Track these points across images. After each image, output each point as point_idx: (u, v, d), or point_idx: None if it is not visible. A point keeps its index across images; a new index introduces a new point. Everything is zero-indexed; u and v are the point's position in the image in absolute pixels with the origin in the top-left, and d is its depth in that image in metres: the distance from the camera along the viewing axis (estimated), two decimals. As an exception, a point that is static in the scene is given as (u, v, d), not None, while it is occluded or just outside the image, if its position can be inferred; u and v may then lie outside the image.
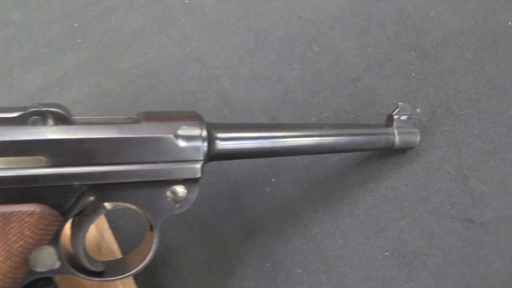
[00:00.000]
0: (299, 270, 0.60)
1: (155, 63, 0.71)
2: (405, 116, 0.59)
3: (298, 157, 0.65)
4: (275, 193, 0.63)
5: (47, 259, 0.41)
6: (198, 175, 0.44)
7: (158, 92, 0.69)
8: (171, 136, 0.42)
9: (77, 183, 0.40)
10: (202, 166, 0.44)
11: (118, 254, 0.62)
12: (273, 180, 0.63)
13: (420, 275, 0.60)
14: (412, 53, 0.68)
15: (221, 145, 0.47)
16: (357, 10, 0.70)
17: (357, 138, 0.56)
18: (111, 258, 0.59)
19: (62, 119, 0.39)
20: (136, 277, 0.62)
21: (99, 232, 0.60)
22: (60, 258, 0.42)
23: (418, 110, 0.65)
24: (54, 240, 0.41)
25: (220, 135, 0.47)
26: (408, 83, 0.67)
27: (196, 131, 0.44)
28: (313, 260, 0.60)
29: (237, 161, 0.65)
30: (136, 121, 0.43)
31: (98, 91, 0.70)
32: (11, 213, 0.37)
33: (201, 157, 0.44)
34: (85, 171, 0.40)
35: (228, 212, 0.62)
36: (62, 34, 0.73)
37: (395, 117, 0.59)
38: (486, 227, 0.60)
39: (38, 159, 0.38)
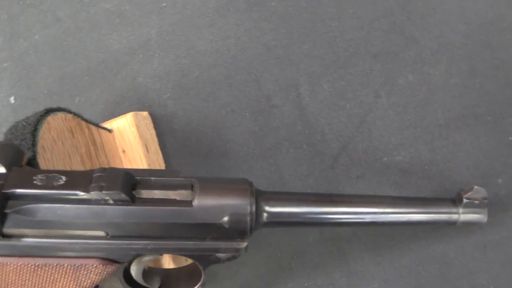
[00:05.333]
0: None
1: (236, 51, 0.67)
2: (478, 201, 0.54)
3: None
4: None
5: (113, 284, 0.50)
6: (243, 252, 0.47)
7: (234, 87, 0.67)
8: (220, 222, 0.45)
9: (133, 252, 0.46)
10: (247, 243, 0.47)
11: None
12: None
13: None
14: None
15: (268, 218, 0.49)
16: None
17: (416, 217, 0.54)
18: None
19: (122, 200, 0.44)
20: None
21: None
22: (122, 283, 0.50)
23: (499, 181, 0.59)
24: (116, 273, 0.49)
25: (269, 208, 0.49)
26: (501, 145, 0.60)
27: (244, 211, 0.46)
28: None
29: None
30: (188, 201, 0.45)
31: (178, 69, 0.69)
32: (79, 265, 0.46)
33: (247, 236, 0.47)
34: (140, 244, 0.46)
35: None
36: (147, -7, 0.70)
37: (465, 200, 0.54)
38: None
39: (99, 233, 0.45)
